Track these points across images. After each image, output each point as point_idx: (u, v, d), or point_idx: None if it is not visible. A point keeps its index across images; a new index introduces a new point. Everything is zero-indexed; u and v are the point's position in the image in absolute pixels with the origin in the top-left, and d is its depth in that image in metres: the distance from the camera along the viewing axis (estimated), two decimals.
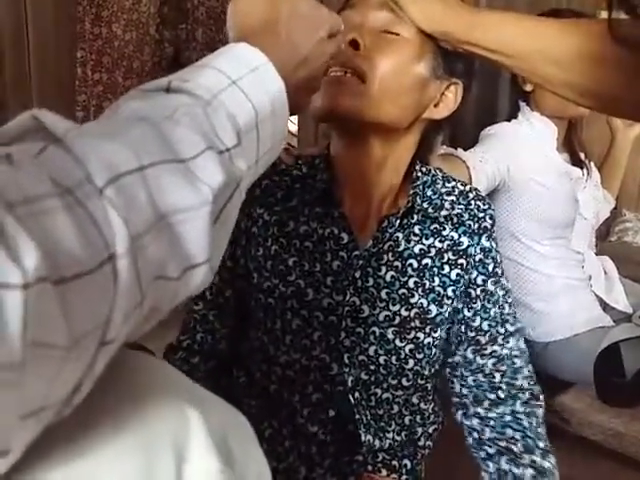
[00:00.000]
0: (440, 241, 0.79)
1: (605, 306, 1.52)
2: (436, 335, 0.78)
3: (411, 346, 0.77)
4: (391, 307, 0.77)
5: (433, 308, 0.78)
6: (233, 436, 0.38)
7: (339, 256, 0.78)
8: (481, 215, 0.81)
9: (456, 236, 0.80)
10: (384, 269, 0.77)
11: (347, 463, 0.79)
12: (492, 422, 0.83)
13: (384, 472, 0.79)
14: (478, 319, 0.81)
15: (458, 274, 0.79)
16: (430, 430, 0.85)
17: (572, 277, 1.49)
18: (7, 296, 0.24)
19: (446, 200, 0.81)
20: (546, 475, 0.79)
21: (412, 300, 0.77)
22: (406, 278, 0.77)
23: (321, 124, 1.51)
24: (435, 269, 0.79)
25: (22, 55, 2.14)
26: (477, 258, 0.80)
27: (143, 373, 0.36)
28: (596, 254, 1.60)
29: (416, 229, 0.79)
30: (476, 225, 0.80)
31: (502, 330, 0.82)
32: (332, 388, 0.77)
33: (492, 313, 0.81)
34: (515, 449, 0.81)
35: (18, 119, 0.32)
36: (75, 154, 0.30)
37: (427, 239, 0.79)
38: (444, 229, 0.80)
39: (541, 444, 0.81)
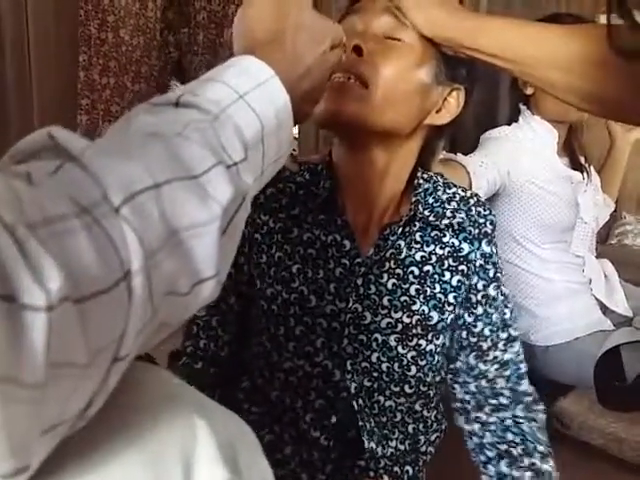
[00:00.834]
0: (441, 248, 0.80)
1: (605, 310, 1.53)
2: (438, 342, 0.79)
3: (413, 353, 0.77)
4: (393, 314, 0.77)
5: (434, 315, 0.78)
6: (239, 445, 0.39)
7: (341, 263, 0.78)
8: (482, 221, 0.82)
9: (457, 243, 0.80)
10: (386, 276, 0.78)
11: (349, 469, 0.79)
12: (493, 426, 0.84)
13: (386, 478, 0.80)
14: (480, 324, 0.82)
15: (459, 280, 0.80)
16: (432, 437, 0.85)
17: (572, 281, 1.50)
18: (33, 318, 0.24)
19: (447, 208, 0.81)
20: (545, 478, 0.80)
21: (414, 307, 0.78)
22: (408, 285, 0.78)
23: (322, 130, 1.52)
24: (436, 276, 0.79)
25: (23, 59, 2.14)
26: (478, 264, 0.81)
27: (150, 385, 0.37)
28: (596, 257, 1.61)
29: (417, 236, 0.79)
30: (477, 231, 0.81)
31: (504, 335, 0.83)
32: (335, 395, 0.78)
33: (494, 318, 0.82)
34: (515, 452, 0.81)
35: (33, 136, 0.33)
36: (92, 172, 0.31)
37: (428, 246, 0.79)
38: (445, 236, 0.80)
39: (540, 448, 0.82)
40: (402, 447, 0.81)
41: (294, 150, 1.75)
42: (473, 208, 0.82)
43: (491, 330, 0.82)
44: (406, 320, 0.77)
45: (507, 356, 0.83)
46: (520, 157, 1.41)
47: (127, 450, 0.33)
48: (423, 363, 0.78)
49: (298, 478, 0.79)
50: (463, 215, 0.81)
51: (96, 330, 0.28)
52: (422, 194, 0.81)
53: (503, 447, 0.82)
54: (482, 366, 0.83)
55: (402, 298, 0.78)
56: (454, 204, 0.82)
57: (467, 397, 0.85)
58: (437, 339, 0.79)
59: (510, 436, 0.82)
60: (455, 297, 0.80)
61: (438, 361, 0.80)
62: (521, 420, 0.83)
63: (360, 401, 0.77)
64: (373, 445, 0.78)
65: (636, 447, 1.20)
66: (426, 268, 0.79)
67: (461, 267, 0.80)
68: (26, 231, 0.25)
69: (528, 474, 0.80)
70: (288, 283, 0.78)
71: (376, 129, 0.73)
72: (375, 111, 0.71)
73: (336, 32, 0.55)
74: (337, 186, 0.79)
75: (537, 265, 1.49)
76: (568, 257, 1.50)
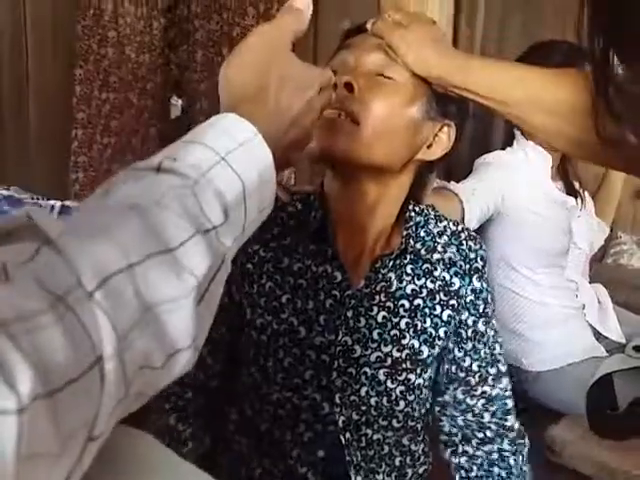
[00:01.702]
0: (432, 282, 0.80)
1: (599, 335, 1.52)
2: (426, 376, 0.79)
3: (402, 388, 0.77)
4: (383, 348, 0.77)
5: (424, 349, 0.78)
6: None
7: (332, 295, 0.78)
8: (473, 256, 0.82)
9: (448, 277, 0.80)
10: (376, 309, 0.78)
11: None
12: (480, 460, 0.85)
13: None
14: (468, 359, 0.82)
15: (449, 315, 0.80)
16: (420, 471, 0.85)
17: (566, 306, 1.50)
18: (3, 421, 0.24)
19: (438, 243, 0.81)
20: None
21: (404, 341, 0.77)
22: (398, 319, 0.78)
23: None
24: (427, 310, 0.79)
25: (21, 75, 2.15)
26: (468, 299, 0.81)
27: (126, 449, 0.37)
28: (590, 277, 1.60)
29: (408, 269, 0.80)
30: (467, 266, 0.81)
31: (493, 370, 0.83)
32: (323, 428, 0.77)
33: (482, 354, 0.82)
34: None
35: (14, 216, 0.33)
36: (67, 257, 0.31)
37: (419, 279, 0.80)
38: (436, 269, 0.80)
39: None
40: (389, 479, 0.81)
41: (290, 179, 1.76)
42: (464, 242, 0.82)
43: (479, 366, 0.82)
44: (396, 354, 0.77)
45: (495, 392, 0.83)
46: (514, 182, 1.41)
47: None
48: (412, 398, 0.78)
49: None
50: (454, 249, 0.81)
51: (68, 418, 0.28)
52: (413, 227, 0.81)
53: None
54: (469, 401, 0.83)
55: (392, 332, 0.78)
56: (445, 238, 0.82)
57: (454, 430, 0.86)
58: (425, 373, 0.79)
59: (496, 470, 0.83)
60: (445, 332, 0.80)
61: (426, 394, 0.80)
62: (507, 454, 0.84)
63: (348, 435, 0.77)
64: (360, 479, 0.78)
65: (627, 477, 1.20)
66: (417, 302, 0.79)
67: (452, 302, 0.80)
68: None
69: None
70: (278, 314, 0.78)
71: (367, 165, 0.74)
72: (365, 147, 0.72)
73: (323, 77, 0.55)
74: (328, 217, 0.80)
75: (531, 289, 1.48)
76: (562, 282, 1.50)
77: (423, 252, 0.80)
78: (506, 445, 0.83)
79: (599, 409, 1.31)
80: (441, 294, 0.80)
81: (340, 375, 0.77)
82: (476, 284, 0.81)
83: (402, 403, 0.78)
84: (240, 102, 0.47)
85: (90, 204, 0.38)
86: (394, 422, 0.78)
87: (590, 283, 1.60)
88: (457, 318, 0.80)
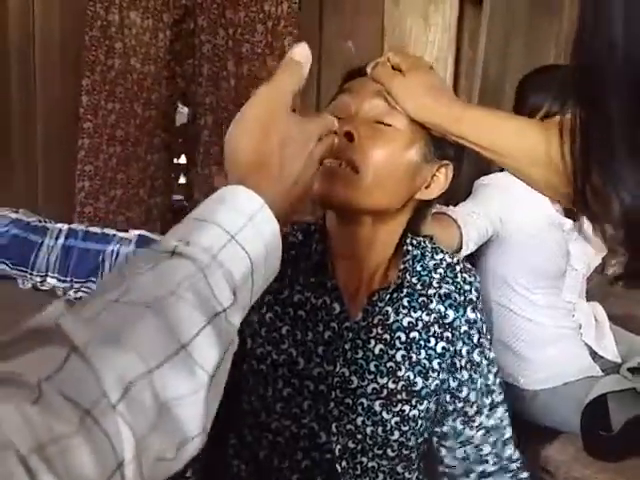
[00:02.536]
0: (427, 314, 0.82)
1: (595, 355, 1.54)
2: (422, 407, 0.81)
3: (397, 419, 0.80)
4: (379, 379, 0.80)
5: (419, 381, 0.81)
6: None
7: (330, 326, 0.80)
8: (467, 288, 0.84)
9: (442, 309, 0.83)
10: (373, 342, 0.80)
11: None
12: None
13: None
14: (465, 390, 0.84)
15: (444, 347, 0.82)
16: None
17: (563, 326, 1.52)
18: None
19: (434, 277, 0.84)
20: None
21: (399, 373, 0.80)
22: (394, 351, 0.80)
23: None
24: (422, 342, 0.81)
25: (29, 84, 2.19)
26: (462, 330, 0.83)
27: None
28: (588, 291, 1.61)
29: (405, 301, 0.82)
30: (462, 297, 0.84)
31: (488, 401, 0.85)
32: (320, 456, 0.80)
33: (478, 384, 0.84)
34: None
35: (42, 317, 0.36)
36: (93, 367, 0.34)
37: (415, 312, 0.82)
38: (431, 302, 0.83)
39: None
40: None
41: None
42: (459, 275, 0.85)
43: (476, 395, 0.84)
44: (391, 386, 0.80)
45: (491, 422, 0.85)
46: (512, 204, 1.43)
47: None
48: (406, 428, 0.80)
49: None
50: (449, 282, 0.84)
51: None
52: (410, 261, 0.83)
53: None
54: (469, 432, 0.85)
55: (388, 364, 0.80)
56: (441, 271, 0.84)
57: (454, 463, 0.87)
58: (421, 405, 0.81)
59: None
60: (439, 363, 0.82)
61: (422, 425, 0.82)
62: None
63: (344, 462, 0.80)
64: None
65: None
66: (412, 334, 0.81)
67: (446, 334, 0.82)
68: (36, 457, 0.29)
69: None
70: (278, 344, 0.81)
71: (366, 210, 0.77)
72: (365, 195, 0.74)
73: (323, 126, 0.56)
74: (329, 250, 0.82)
75: (528, 309, 1.51)
76: (559, 302, 1.52)
77: (419, 286, 0.83)
78: (508, 479, 0.85)
79: (593, 430, 1.34)
80: (435, 326, 0.82)
81: (337, 405, 0.79)
82: (470, 315, 0.84)
83: (397, 433, 0.80)
84: (246, 172, 0.48)
85: (109, 296, 0.39)
86: (389, 451, 0.81)
87: (587, 301, 1.62)
88: (452, 349, 0.83)
